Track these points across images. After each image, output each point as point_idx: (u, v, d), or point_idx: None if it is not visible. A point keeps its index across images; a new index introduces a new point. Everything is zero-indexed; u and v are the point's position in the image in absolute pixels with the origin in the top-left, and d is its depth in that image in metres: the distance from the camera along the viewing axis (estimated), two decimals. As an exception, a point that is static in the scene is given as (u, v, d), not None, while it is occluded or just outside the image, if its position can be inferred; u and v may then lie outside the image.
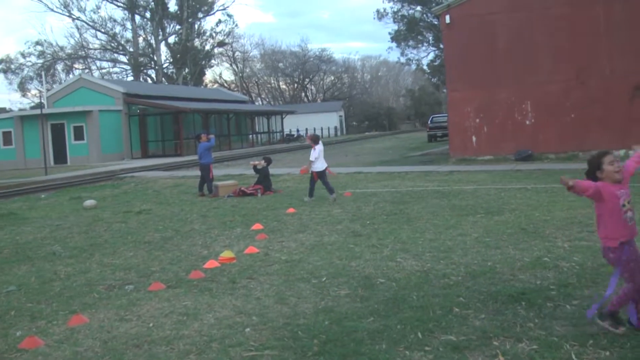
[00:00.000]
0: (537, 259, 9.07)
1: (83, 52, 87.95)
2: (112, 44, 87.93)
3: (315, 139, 17.76)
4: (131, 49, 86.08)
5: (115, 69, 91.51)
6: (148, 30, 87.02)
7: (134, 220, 15.72)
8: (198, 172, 21.88)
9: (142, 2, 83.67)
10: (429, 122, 58.04)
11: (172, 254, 11.11)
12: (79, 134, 46.90)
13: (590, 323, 6.18)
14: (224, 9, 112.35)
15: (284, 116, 75.60)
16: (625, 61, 25.88)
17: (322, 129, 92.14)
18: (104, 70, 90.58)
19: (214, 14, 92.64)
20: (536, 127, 27.27)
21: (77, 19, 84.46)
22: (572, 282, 7.76)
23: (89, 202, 19.17)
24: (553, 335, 6.02)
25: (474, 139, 28.17)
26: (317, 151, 17.41)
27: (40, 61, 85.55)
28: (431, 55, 69.43)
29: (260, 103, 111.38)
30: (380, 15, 68.12)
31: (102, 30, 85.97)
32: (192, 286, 8.71)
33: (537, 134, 27.16)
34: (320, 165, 17.49)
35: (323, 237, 11.96)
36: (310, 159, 17.51)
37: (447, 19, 28.20)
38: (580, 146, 26.38)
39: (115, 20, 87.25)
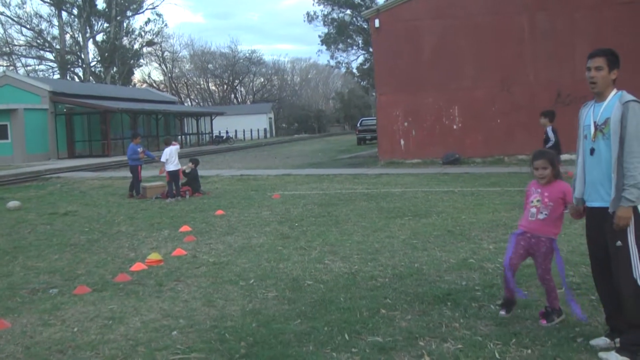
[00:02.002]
0: (462, 261, 9.22)
1: (7, 49, 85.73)
2: (38, 41, 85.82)
3: (167, 142, 19.66)
4: (58, 47, 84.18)
5: (42, 67, 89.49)
6: (75, 27, 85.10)
7: (59, 222, 15.43)
8: (125, 173, 21.56)
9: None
10: (358, 125, 58.34)
11: (98, 257, 10.93)
12: (2, 133, 45.67)
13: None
14: (154, 8, 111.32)
15: (213, 117, 75.20)
16: (548, 68, 26.50)
17: (251, 131, 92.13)
18: (29, 68, 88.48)
19: (143, 12, 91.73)
20: (463, 132, 27.70)
21: (2, 13, 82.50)
22: (496, 283, 7.89)
23: (13, 203, 18.73)
24: (477, 335, 6.14)
25: (402, 142, 28.44)
26: (166, 153, 19.03)
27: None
28: (361, 59, 70.10)
29: (190, 104, 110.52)
30: (311, 18, 68.42)
31: (28, 26, 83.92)
32: (118, 289, 8.59)
33: (464, 138, 27.60)
34: (172, 166, 19.06)
35: (251, 239, 11.93)
36: (162, 159, 19.28)
37: (377, 23, 28.39)
38: (506, 150, 26.95)
39: (41, 16, 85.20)
